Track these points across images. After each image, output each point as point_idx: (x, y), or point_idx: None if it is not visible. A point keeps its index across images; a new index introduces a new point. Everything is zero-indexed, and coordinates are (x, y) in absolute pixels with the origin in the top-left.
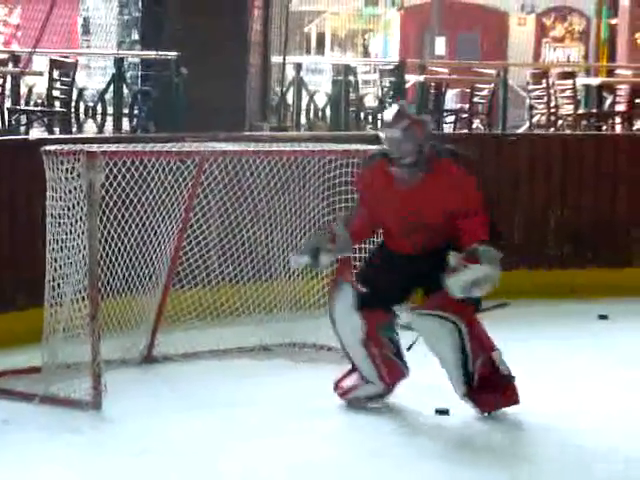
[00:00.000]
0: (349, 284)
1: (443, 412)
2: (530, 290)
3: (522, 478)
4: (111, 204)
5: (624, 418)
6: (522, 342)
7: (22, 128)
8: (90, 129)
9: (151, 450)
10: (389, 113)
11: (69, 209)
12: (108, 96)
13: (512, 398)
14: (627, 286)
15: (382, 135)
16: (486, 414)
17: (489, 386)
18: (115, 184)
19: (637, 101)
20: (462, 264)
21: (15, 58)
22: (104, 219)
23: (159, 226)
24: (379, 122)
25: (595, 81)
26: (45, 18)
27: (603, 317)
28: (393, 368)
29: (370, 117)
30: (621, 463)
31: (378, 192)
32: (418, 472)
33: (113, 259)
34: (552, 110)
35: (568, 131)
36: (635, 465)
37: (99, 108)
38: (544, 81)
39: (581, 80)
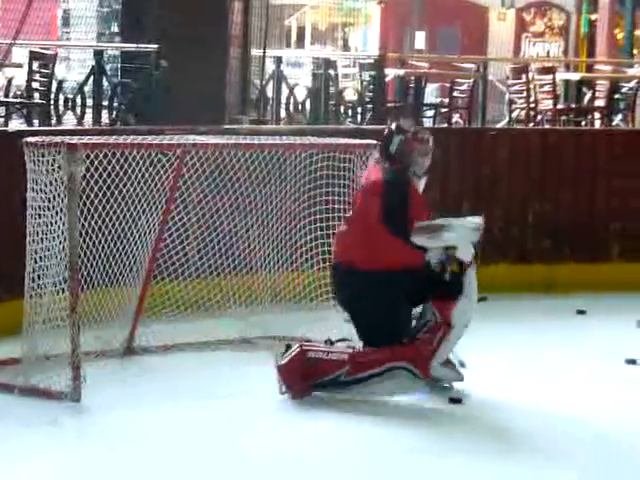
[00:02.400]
0: None
1: (456, 400)
2: (509, 285)
3: (510, 468)
4: (92, 196)
5: (602, 410)
6: (501, 337)
7: (1, 120)
8: (69, 121)
9: (130, 442)
10: (421, 127)
11: (49, 201)
12: (87, 88)
13: None
14: (605, 281)
15: (426, 146)
16: None
17: None
18: (96, 176)
19: (616, 97)
20: None
21: None
22: (85, 211)
23: (140, 218)
24: (358, 117)
25: (574, 76)
26: (25, 10)
27: (581, 312)
28: None
29: (350, 111)
30: (601, 453)
31: (420, 200)
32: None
33: (94, 251)
34: (531, 105)
35: (547, 126)
36: (614, 453)
37: (78, 100)
38: (524, 76)
39: (561, 75)
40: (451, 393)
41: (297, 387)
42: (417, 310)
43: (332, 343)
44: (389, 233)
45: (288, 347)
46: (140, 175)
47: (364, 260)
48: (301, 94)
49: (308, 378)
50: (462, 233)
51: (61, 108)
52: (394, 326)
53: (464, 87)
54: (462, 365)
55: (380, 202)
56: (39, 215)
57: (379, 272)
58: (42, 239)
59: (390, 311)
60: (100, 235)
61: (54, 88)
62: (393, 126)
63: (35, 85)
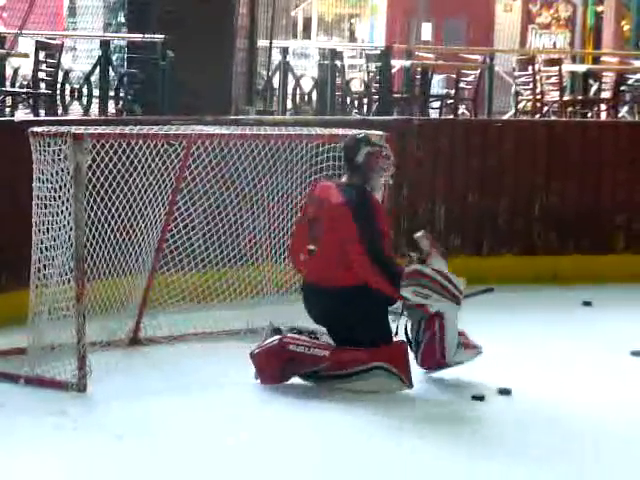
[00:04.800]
0: None
1: (479, 398)
2: (515, 276)
3: (512, 459)
4: (98, 186)
5: (606, 402)
6: (506, 328)
7: (7, 110)
8: (75, 111)
9: (135, 432)
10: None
11: (55, 191)
12: (94, 78)
13: None
14: (611, 273)
15: (389, 164)
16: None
17: None
18: (102, 166)
19: (622, 88)
20: None
21: (1, 39)
22: (90, 201)
23: (146, 209)
24: (364, 108)
25: (581, 68)
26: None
27: (587, 303)
28: None
29: (356, 102)
30: (605, 445)
31: (383, 211)
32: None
33: (99, 241)
34: (538, 96)
35: (553, 118)
36: (620, 447)
37: (85, 90)
38: (530, 67)
39: (567, 67)
40: (474, 391)
41: (268, 373)
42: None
43: (317, 338)
44: (366, 253)
45: (276, 331)
46: (146, 165)
47: (339, 278)
48: (307, 85)
49: (285, 368)
50: (448, 306)
51: (67, 98)
52: (372, 334)
53: (470, 78)
54: None
55: (355, 229)
56: (45, 205)
57: (353, 287)
58: (48, 229)
59: (366, 322)
60: (106, 225)
61: (60, 78)
62: (361, 136)
63: (41, 75)
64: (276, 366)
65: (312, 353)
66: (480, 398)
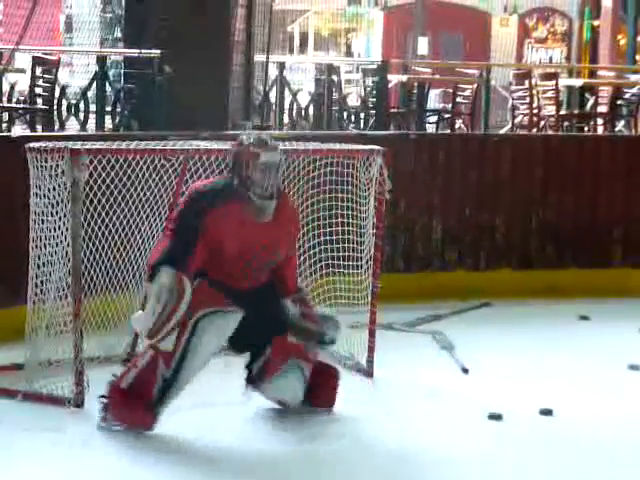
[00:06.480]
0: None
1: (496, 417)
2: (511, 290)
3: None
4: (95, 202)
5: (604, 417)
6: (503, 342)
7: (4, 125)
8: (72, 127)
9: (132, 447)
10: (261, 136)
11: (53, 206)
12: (91, 94)
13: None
14: (608, 287)
15: (260, 159)
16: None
17: (317, 384)
18: (99, 182)
19: (619, 103)
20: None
21: None
22: (88, 217)
23: (143, 224)
24: (361, 123)
25: (577, 82)
26: (28, 15)
27: (584, 318)
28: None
29: (353, 116)
30: (603, 463)
31: (228, 228)
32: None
33: (97, 257)
34: (534, 111)
35: (550, 132)
36: (616, 464)
37: (81, 106)
38: (527, 82)
39: (563, 81)
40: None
41: (138, 421)
42: None
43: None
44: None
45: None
46: (143, 181)
47: None
48: (304, 100)
49: (138, 404)
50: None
51: (64, 114)
52: None
53: (467, 93)
54: (464, 371)
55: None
56: (42, 220)
57: None
58: (45, 245)
59: None
60: (103, 241)
61: (57, 93)
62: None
63: (38, 90)
64: (130, 409)
65: (140, 365)
66: (497, 417)
